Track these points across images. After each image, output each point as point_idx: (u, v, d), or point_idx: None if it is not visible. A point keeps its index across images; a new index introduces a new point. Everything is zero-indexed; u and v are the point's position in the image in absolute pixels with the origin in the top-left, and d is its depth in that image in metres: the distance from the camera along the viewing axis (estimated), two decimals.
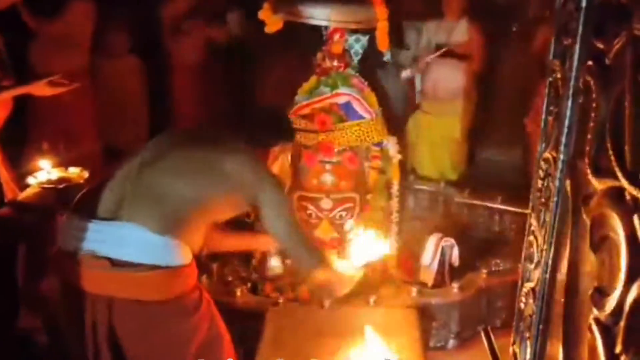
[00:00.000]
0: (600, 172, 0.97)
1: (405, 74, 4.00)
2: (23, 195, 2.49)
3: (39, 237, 2.40)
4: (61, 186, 2.48)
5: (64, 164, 2.66)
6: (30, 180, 2.50)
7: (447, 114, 4.00)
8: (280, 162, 2.62)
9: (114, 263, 1.65)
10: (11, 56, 2.70)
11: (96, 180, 1.91)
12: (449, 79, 3.91)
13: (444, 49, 3.79)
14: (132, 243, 1.66)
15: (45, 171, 2.57)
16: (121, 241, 1.66)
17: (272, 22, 2.75)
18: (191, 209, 1.74)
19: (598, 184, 0.97)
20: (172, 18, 4.11)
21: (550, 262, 1.19)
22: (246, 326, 2.35)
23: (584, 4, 1.03)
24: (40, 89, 2.65)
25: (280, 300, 2.58)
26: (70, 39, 3.74)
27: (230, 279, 2.83)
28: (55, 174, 2.57)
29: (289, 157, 2.83)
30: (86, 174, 2.58)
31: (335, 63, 2.79)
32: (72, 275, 1.69)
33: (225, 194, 1.82)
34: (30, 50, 3.73)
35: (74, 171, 2.61)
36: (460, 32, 3.87)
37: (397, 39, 3.94)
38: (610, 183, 0.93)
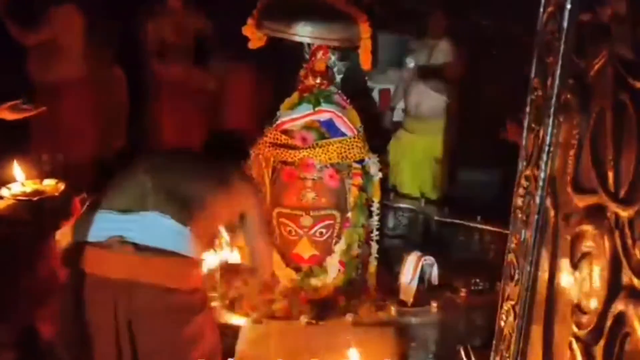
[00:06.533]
0: (581, 189, 0.97)
1: (410, 60, 4.00)
2: None
3: (11, 251, 2.33)
4: (35, 199, 2.41)
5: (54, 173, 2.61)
6: (4, 192, 2.42)
7: (429, 133, 4.02)
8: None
9: (138, 248, 1.78)
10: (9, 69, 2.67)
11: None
12: (431, 98, 3.94)
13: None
14: (157, 229, 1.81)
15: (20, 183, 2.48)
16: (147, 228, 1.81)
17: (256, 38, 2.75)
18: (201, 209, 1.92)
19: (579, 201, 0.98)
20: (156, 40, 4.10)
21: (530, 279, 1.19)
22: (223, 342, 2.32)
23: (565, 23, 1.05)
24: (1, 113, 2.58)
25: (257, 317, 2.54)
26: (61, 49, 3.72)
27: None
28: (29, 186, 2.48)
29: (269, 173, 2.81)
30: (62, 186, 2.50)
31: (318, 80, 2.80)
32: (93, 264, 1.79)
33: (225, 201, 2.02)
34: (26, 62, 3.73)
35: (49, 183, 2.51)
36: (442, 52, 3.92)
37: (380, 57, 3.96)
38: (591, 200, 0.93)
